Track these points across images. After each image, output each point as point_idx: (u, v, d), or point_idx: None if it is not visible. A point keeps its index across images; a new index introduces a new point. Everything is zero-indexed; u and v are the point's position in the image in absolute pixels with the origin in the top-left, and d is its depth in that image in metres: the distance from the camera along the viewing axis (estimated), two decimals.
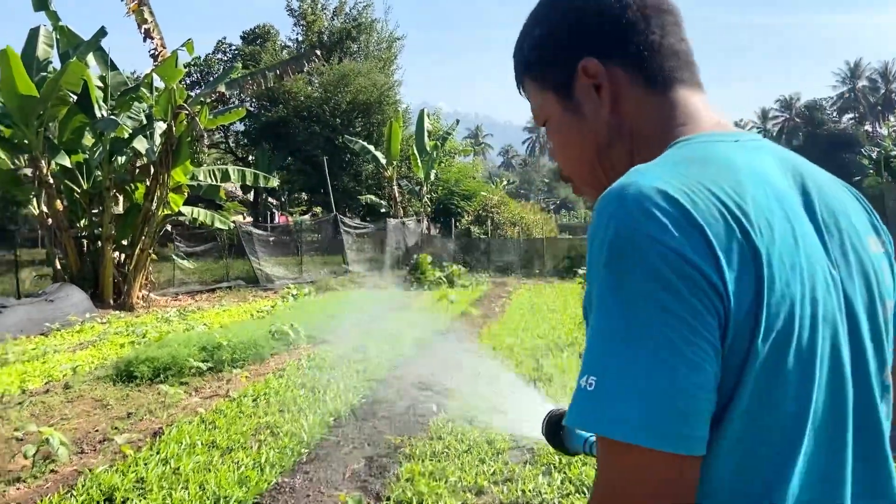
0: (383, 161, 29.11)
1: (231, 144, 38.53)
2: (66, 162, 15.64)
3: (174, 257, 18.89)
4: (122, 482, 4.74)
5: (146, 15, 15.01)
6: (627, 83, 0.95)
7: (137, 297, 16.52)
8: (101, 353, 10.03)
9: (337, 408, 6.66)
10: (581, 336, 10.53)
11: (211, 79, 31.52)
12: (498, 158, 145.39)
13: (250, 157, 35.63)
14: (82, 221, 16.72)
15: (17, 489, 4.85)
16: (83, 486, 4.71)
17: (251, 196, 36.56)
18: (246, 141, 37.10)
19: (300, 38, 36.95)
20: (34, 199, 15.69)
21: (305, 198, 38.68)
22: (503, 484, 4.76)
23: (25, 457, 5.13)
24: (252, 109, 35.77)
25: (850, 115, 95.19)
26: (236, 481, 4.78)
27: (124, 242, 16.70)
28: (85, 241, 16.70)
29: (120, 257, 16.53)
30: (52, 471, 5.16)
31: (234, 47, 37.11)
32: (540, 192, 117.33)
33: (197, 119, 15.17)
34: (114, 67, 16.61)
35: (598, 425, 0.73)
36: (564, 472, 4.90)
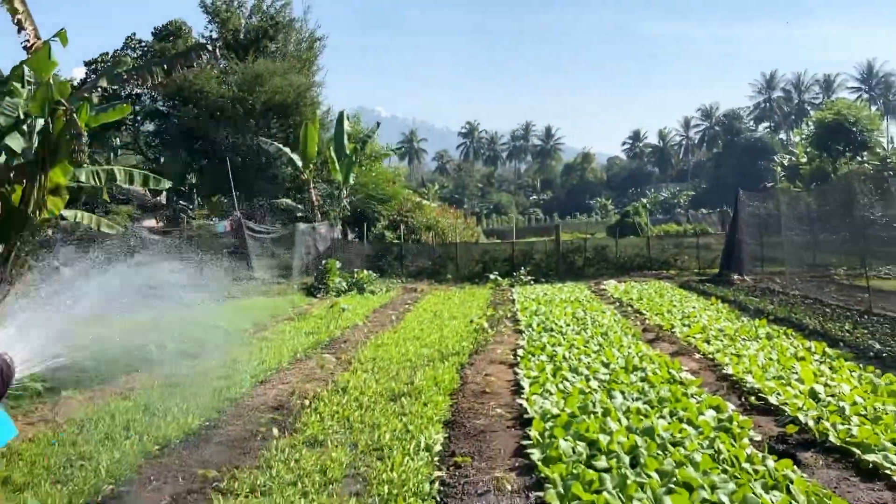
0: (300, 164, 28.21)
1: (142, 146, 36.80)
2: None
3: (57, 266, 17.58)
4: None
5: (16, 4, 13.82)
6: None
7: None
8: None
9: (167, 434, 5.99)
10: (468, 344, 10.12)
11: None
12: (433, 164, 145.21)
13: (162, 159, 34.08)
14: None
15: None
16: None
17: (163, 199, 34.97)
18: (157, 142, 35.48)
19: (214, 36, 35.58)
20: None
21: (225, 201, 37.31)
22: None
23: None
24: (163, 109, 34.25)
25: (766, 124, 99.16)
26: None
27: None
28: None
29: None
30: None
31: (143, 44, 35.43)
32: (474, 196, 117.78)
33: (76, 116, 14.08)
34: None
35: None
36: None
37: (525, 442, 5.54)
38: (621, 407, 6.15)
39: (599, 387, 7.04)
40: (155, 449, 5.69)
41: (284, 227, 24.15)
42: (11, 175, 15.30)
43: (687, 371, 7.87)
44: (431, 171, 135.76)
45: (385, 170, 35.99)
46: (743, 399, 6.81)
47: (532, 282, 21.55)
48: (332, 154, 28.68)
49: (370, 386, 7.62)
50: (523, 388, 7.20)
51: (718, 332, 10.52)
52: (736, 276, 19.29)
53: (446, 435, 5.94)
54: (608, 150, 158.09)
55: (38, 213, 15.20)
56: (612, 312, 13.51)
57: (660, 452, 4.93)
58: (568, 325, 11.69)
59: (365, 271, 20.36)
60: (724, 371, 7.89)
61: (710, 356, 8.80)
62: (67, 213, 16.30)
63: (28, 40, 14.32)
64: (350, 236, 30.46)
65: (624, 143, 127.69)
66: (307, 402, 6.96)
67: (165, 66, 15.62)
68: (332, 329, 12.07)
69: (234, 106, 30.18)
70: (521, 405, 6.58)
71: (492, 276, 20.56)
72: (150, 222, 36.39)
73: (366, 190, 30.67)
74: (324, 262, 20.04)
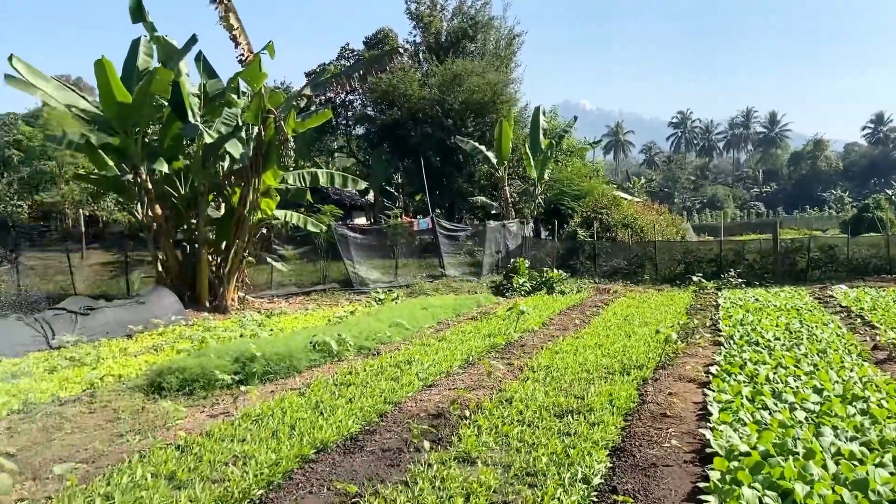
0: (494, 161, 28.28)
1: (353, 148, 39.31)
2: (165, 168, 16.19)
3: (269, 260, 19.19)
4: None
5: (232, 21, 15.20)
6: None
7: (232, 300, 16.83)
8: (156, 359, 10.00)
9: (326, 437, 5.96)
10: (655, 356, 9.16)
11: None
12: (640, 156, 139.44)
13: (369, 161, 36.12)
14: (182, 226, 17.28)
15: None
16: None
17: (371, 198, 37.05)
18: (366, 144, 37.62)
19: (417, 40, 36.96)
20: (138, 204, 16.37)
21: (428, 200, 38.68)
22: None
23: None
24: (371, 113, 36.18)
25: None
26: None
27: (221, 246, 17.05)
28: (186, 245, 17.27)
29: (216, 260, 16.91)
30: None
31: (355, 52, 37.78)
32: (685, 190, 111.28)
33: (283, 123, 15.15)
34: (213, 75, 17.04)
35: None
36: None
37: (702, 484, 4.70)
38: (830, 448, 5.02)
39: (806, 419, 5.88)
40: (311, 453, 5.66)
41: (475, 225, 24.27)
42: (231, 178, 16.92)
43: None
44: (638, 165, 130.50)
45: (582, 164, 34.96)
46: None
47: (743, 285, 19.50)
48: (528, 150, 28.39)
49: (537, 398, 7.09)
50: (711, 414, 6.24)
51: None
52: None
53: (610, 465, 5.25)
54: (845, 136, 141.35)
55: (253, 213, 16.65)
56: (835, 325, 11.63)
57: None
58: (777, 338, 10.19)
59: (555, 270, 19.73)
60: None
61: None
62: (279, 212, 17.70)
63: (242, 54, 15.66)
64: (543, 234, 29.92)
65: (864, 128, 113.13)
66: (467, 413, 6.61)
67: (361, 72, 16.34)
68: (511, 332, 11.67)
69: (434, 107, 31.01)
70: (704, 435, 5.66)
71: (695, 278, 18.90)
72: (361, 220, 38.79)
73: (560, 186, 29.95)
74: (512, 260, 19.76)
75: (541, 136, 28.92)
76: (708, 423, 6.00)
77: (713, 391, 7.10)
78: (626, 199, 29.53)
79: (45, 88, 14.87)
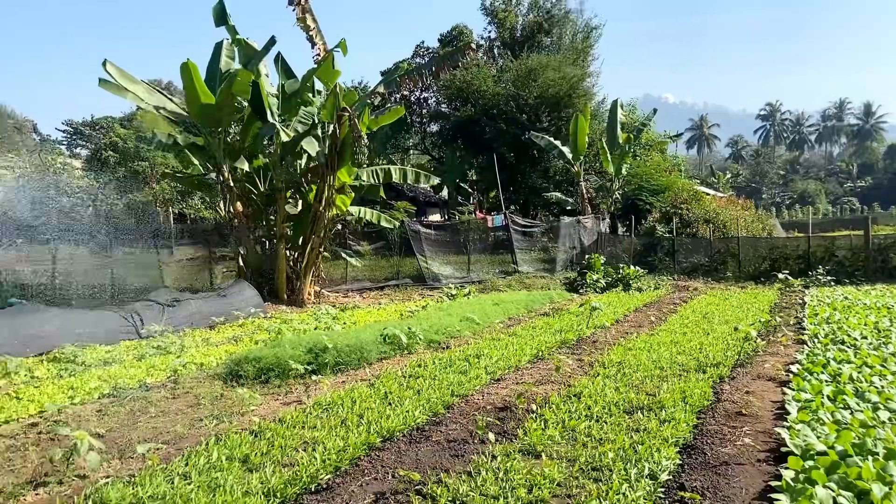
0: (570, 156, 27.91)
1: (427, 146, 39.63)
2: (246, 166, 16.77)
3: (344, 256, 19.59)
4: (120, 497, 4.54)
5: (309, 21, 15.59)
6: None
7: (308, 294, 17.29)
8: (235, 349, 10.40)
9: (392, 426, 6.04)
10: (733, 354, 8.84)
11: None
12: (726, 150, 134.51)
13: (443, 158, 36.31)
14: (262, 222, 17.87)
15: (37, 495, 4.86)
16: (76, 499, 4.59)
17: (445, 196, 37.24)
18: (440, 141, 37.85)
19: (492, 36, 36.87)
20: (221, 202, 17.04)
21: (501, 196, 38.61)
22: None
23: (52, 461, 5.17)
24: (446, 111, 36.35)
25: None
26: None
27: (298, 241, 17.54)
28: (265, 241, 17.85)
29: (293, 255, 17.41)
30: (79, 476, 5.13)
31: (430, 50, 38.04)
32: (774, 185, 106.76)
33: (357, 120, 15.43)
34: (291, 75, 17.53)
35: None
36: None
37: (775, 483, 4.50)
38: None
39: (889, 420, 5.55)
40: (378, 441, 5.76)
41: (549, 221, 24.01)
42: (308, 176, 17.36)
43: None
44: (724, 159, 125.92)
45: (662, 159, 34.06)
46: None
47: (832, 283, 18.55)
48: (604, 145, 27.89)
49: (606, 395, 6.96)
50: (788, 413, 5.97)
51: None
52: None
53: (679, 462, 5.10)
54: None
55: (328, 209, 17.04)
56: None
57: None
58: (864, 337, 9.64)
59: (632, 267, 19.29)
60: None
61: None
62: (353, 209, 18.04)
63: (318, 54, 16.03)
64: (620, 230, 29.31)
65: None
66: (534, 407, 6.56)
67: (434, 68, 16.45)
68: (583, 328, 11.50)
69: (508, 102, 30.87)
70: (780, 435, 5.43)
71: (780, 276, 18.08)
72: (435, 217, 39.07)
73: (638, 181, 29.26)
74: (587, 256, 19.45)
75: (618, 130, 28.35)
76: (785, 422, 5.75)
77: (792, 390, 6.79)
78: (708, 195, 28.58)
79: (136, 91, 15.67)
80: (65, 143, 77.15)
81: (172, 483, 4.80)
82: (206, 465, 5.18)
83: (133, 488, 4.69)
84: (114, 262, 19.84)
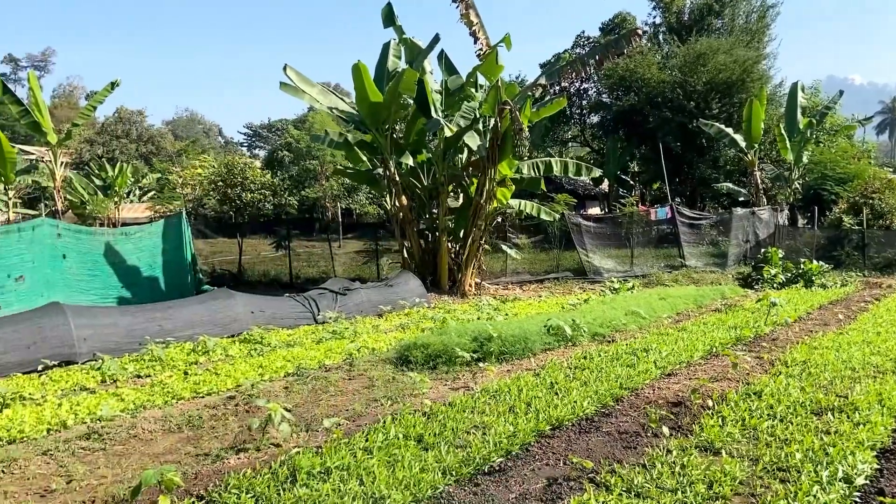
0: (743, 145, 26.20)
1: (587, 137, 38.88)
2: (410, 161, 17.40)
3: (503, 248, 19.73)
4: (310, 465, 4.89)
5: (472, 17, 15.84)
6: None
7: (469, 285, 17.63)
8: (403, 336, 10.84)
9: (561, 415, 6.02)
10: None
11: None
12: None
13: (604, 150, 35.47)
14: (425, 215, 18.45)
15: (238, 459, 5.37)
16: (272, 464, 5.02)
17: (605, 188, 36.39)
18: (601, 133, 37.00)
19: (657, 21, 35.45)
20: (387, 196, 17.81)
21: (666, 188, 37.14)
22: None
23: (249, 430, 5.68)
24: (607, 101, 35.48)
25: None
26: (398, 482, 4.58)
27: (460, 234, 17.94)
28: (428, 233, 18.42)
29: (455, 248, 17.82)
30: (274, 444, 5.60)
31: (591, 40, 37.26)
32: None
33: (518, 113, 15.49)
34: (453, 71, 17.94)
35: None
36: None
37: None
38: None
39: None
40: (547, 429, 5.76)
41: (719, 213, 22.69)
42: (469, 169, 17.68)
43: None
44: None
45: (848, 145, 31.00)
46: None
47: None
48: (782, 131, 25.90)
49: (790, 394, 6.49)
50: None
51: None
52: None
53: (877, 467, 4.67)
54: None
55: (489, 202, 17.26)
56: None
57: None
58: None
59: (814, 262, 17.75)
60: None
61: None
62: (513, 201, 18.14)
63: (481, 49, 16.26)
64: (800, 222, 27.05)
65: None
66: (710, 404, 6.26)
67: (597, 58, 16.10)
68: (761, 325, 10.77)
69: (674, 89, 29.55)
70: None
71: None
72: (594, 209, 38.31)
73: (821, 169, 26.84)
74: (763, 250, 18.17)
75: (798, 114, 26.20)
76: None
77: None
78: None
79: (311, 93, 16.76)
80: (245, 144, 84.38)
81: (355, 456, 5.10)
82: (384, 441, 5.45)
83: (321, 458, 5.03)
84: (292, 253, 21.42)
